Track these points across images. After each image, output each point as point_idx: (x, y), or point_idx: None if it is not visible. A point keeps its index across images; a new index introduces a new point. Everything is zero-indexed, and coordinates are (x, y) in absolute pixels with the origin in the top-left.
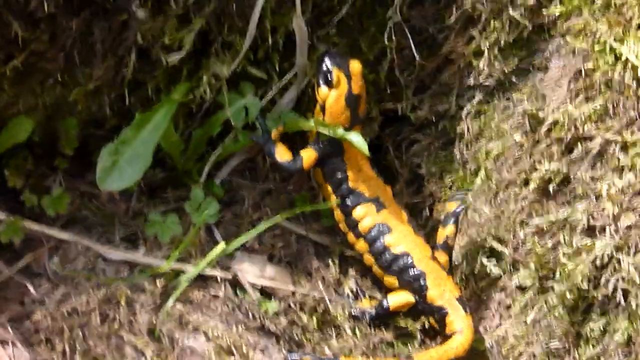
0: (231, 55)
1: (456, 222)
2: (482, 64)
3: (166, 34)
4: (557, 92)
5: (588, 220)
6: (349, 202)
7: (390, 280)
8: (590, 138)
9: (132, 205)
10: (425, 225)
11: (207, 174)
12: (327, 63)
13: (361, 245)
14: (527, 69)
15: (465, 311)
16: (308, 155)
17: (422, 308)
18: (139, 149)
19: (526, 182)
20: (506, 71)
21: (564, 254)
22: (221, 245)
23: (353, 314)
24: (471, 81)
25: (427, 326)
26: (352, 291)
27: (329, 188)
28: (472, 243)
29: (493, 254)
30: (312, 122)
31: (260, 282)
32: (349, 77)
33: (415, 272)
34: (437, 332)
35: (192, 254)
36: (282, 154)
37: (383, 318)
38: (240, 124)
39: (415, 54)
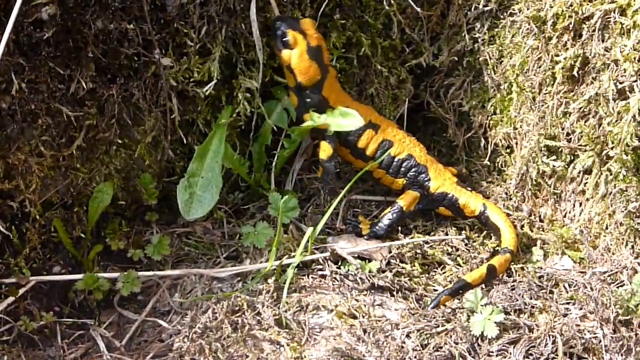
0: (256, 69)
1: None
2: None
3: (194, 70)
4: None
5: (616, 85)
6: (350, 137)
7: (399, 181)
8: (591, 16)
9: (225, 230)
10: (486, 152)
11: (276, 179)
12: (280, 27)
13: (372, 165)
14: None
15: (470, 191)
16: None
17: (430, 199)
18: (207, 176)
19: (554, 77)
20: None
21: (608, 123)
22: (309, 230)
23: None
24: (474, 13)
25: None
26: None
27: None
28: (529, 150)
29: (550, 150)
30: (309, 121)
31: (356, 250)
32: (303, 33)
33: (419, 168)
34: (456, 218)
35: (291, 249)
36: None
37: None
38: (286, 125)
39: (417, 9)
